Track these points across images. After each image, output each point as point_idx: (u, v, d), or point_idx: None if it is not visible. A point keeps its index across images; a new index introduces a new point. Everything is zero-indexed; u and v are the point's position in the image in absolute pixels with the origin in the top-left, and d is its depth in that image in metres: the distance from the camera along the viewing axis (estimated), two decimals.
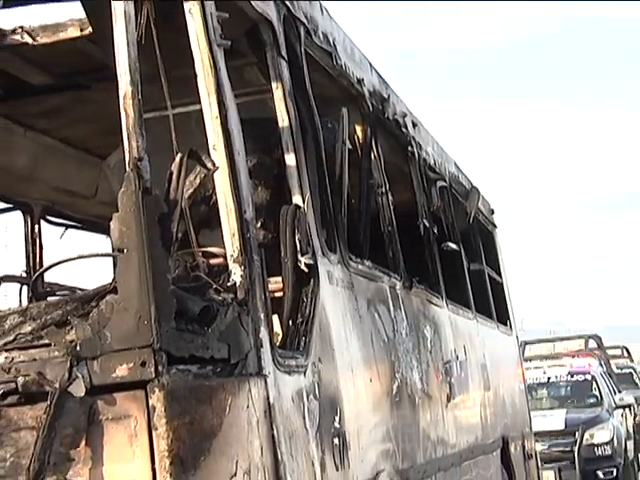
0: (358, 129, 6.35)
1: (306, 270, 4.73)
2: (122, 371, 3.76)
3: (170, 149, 4.16)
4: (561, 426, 15.82)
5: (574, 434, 15.79)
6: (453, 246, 8.62)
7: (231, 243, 4.18)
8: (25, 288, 7.29)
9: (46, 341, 3.91)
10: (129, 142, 3.88)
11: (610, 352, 27.64)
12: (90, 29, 5.56)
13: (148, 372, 3.74)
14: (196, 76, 4.19)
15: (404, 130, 7.53)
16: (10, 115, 6.54)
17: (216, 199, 4.21)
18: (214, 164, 4.16)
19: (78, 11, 5.54)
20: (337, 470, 4.77)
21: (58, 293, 6.34)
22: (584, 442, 15.76)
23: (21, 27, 5.86)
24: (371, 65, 6.88)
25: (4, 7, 4.47)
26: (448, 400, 7.50)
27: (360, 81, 6.47)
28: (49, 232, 7.74)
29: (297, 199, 4.90)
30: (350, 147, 6.03)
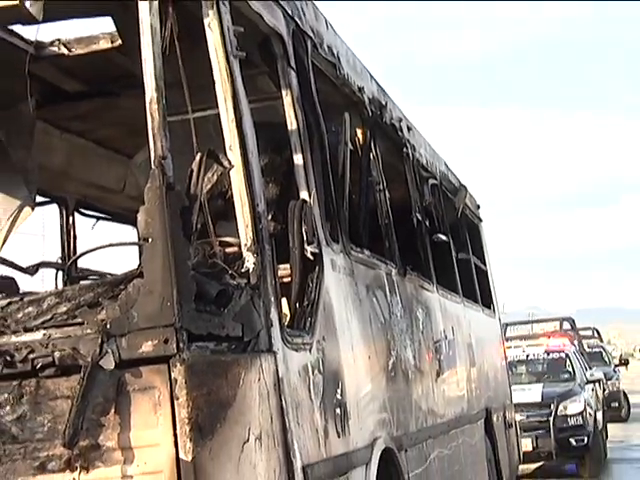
0: (359, 132, 6.35)
1: (312, 258, 4.74)
2: (147, 347, 3.78)
3: (191, 149, 4.15)
4: (538, 399, 15.87)
5: (550, 406, 15.84)
6: (443, 237, 8.64)
7: (245, 233, 4.19)
8: (60, 273, 7.30)
9: (80, 320, 3.93)
10: (154, 142, 3.88)
11: (582, 333, 27.74)
12: (120, 42, 5.56)
13: (170, 348, 3.76)
14: (214, 84, 4.19)
15: (400, 133, 7.54)
16: (48, 119, 6.54)
17: (231, 194, 4.21)
18: (230, 163, 4.16)
19: (109, 25, 5.54)
20: (339, 437, 4.77)
21: (90, 277, 6.33)
22: (558, 413, 15.81)
23: (58, 39, 5.85)
24: (370, 75, 6.89)
25: (44, 22, 4.46)
26: (437, 375, 7.52)
27: (361, 89, 6.47)
28: (82, 223, 7.75)
29: (304, 194, 4.90)
30: (351, 148, 6.05)
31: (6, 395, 3.87)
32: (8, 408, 3.88)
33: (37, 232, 7.54)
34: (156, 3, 3.97)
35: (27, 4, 4.16)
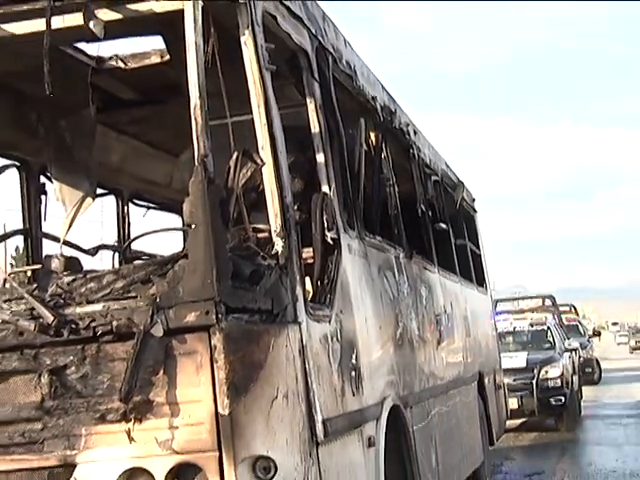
0: (372, 135, 6.33)
1: (331, 243, 4.73)
2: (191, 317, 3.79)
3: (228, 149, 4.14)
4: (523, 364, 15.86)
5: (533, 370, 15.85)
6: (443, 226, 8.61)
7: (274, 221, 4.18)
8: (117, 254, 7.32)
9: (134, 294, 3.94)
10: (197, 143, 3.89)
11: (561, 309, 27.69)
12: (168, 57, 5.55)
13: (211, 319, 3.77)
14: (249, 93, 4.18)
15: (407, 136, 7.52)
16: (107, 123, 6.55)
17: (263, 187, 4.21)
18: (262, 161, 4.16)
19: (159, 43, 5.54)
20: (353, 395, 4.76)
21: (142, 258, 6.33)
22: (540, 377, 15.82)
23: (116, 55, 5.86)
24: (382, 86, 6.87)
25: (104, 40, 4.45)
26: (438, 343, 7.50)
27: (374, 98, 6.45)
28: (135, 212, 7.77)
29: (325, 188, 4.89)
30: (366, 149, 6.03)
31: (72, 357, 3.89)
32: (73, 368, 3.89)
33: (97, 219, 7.54)
34: (200, 24, 3.97)
35: (91, 24, 4.15)
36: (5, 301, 4.09)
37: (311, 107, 4.94)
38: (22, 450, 3.91)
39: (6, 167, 6.44)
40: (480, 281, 11.17)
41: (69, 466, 3.88)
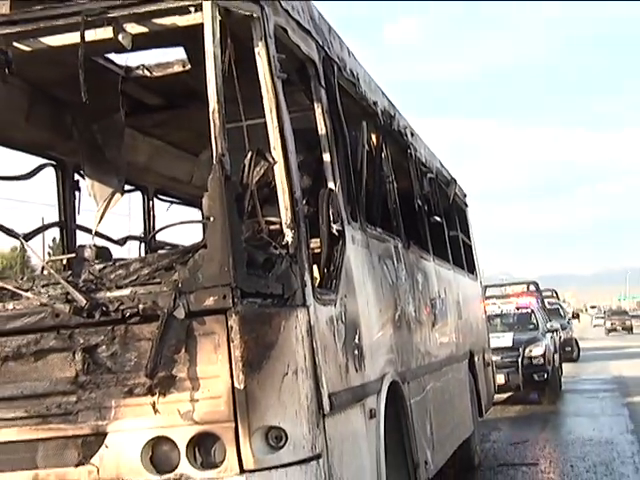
0: (373, 137, 6.31)
1: (336, 234, 4.73)
2: (209, 301, 3.79)
3: (243, 149, 4.13)
4: (509, 344, 15.83)
5: (518, 349, 15.81)
6: (438, 219, 8.60)
7: (285, 214, 4.17)
8: (143, 245, 7.33)
9: (158, 280, 3.94)
10: (215, 143, 3.88)
11: (544, 293, 27.68)
12: (189, 66, 5.55)
13: (227, 302, 3.77)
14: (262, 98, 4.17)
15: (405, 137, 7.51)
16: (134, 126, 6.54)
17: (275, 184, 4.19)
18: (274, 159, 4.14)
19: (181, 54, 5.53)
20: (356, 372, 4.76)
21: (165, 248, 6.34)
22: (525, 355, 15.79)
23: (142, 65, 5.85)
24: (382, 92, 6.85)
25: (132, 51, 4.46)
26: (433, 325, 7.50)
27: (375, 103, 6.44)
28: (159, 207, 7.78)
29: (330, 184, 4.87)
30: (368, 149, 6.02)
31: (102, 337, 3.90)
32: (104, 347, 3.90)
33: (125, 213, 7.55)
34: (218, 36, 3.96)
35: (120, 37, 4.15)
36: (43, 286, 4.10)
37: (318, 111, 4.93)
38: (59, 420, 3.92)
39: (44, 166, 6.46)
40: (471, 269, 11.16)
41: (100, 435, 3.90)
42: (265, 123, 4.17)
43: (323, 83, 5.01)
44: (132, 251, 7.25)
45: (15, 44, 4.28)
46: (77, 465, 3.90)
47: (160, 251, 5.22)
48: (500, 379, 14.12)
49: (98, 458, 3.89)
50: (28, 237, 6.06)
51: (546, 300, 26.90)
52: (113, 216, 6.92)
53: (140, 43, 4.27)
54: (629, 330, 56.07)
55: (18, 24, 4.19)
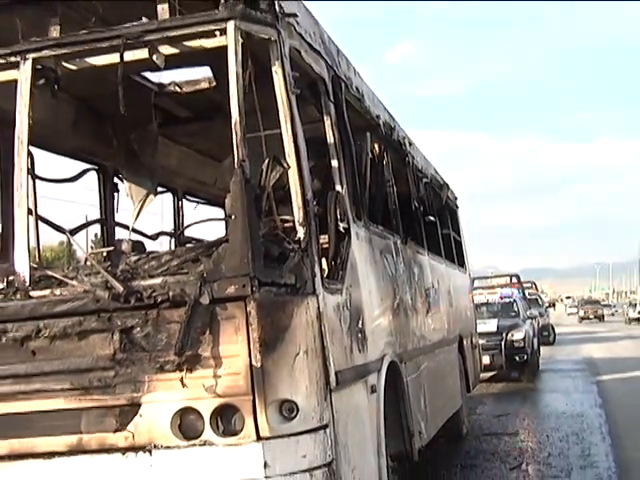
0: (376, 146, 6.29)
1: (343, 231, 4.71)
2: (231, 290, 3.78)
3: (261, 156, 4.11)
4: (494, 329, 15.79)
5: (502, 334, 15.77)
6: (432, 218, 8.56)
7: (298, 213, 4.14)
8: (173, 239, 7.35)
9: (186, 271, 3.93)
10: (237, 151, 3.87)
11: (525, 285, 27.58)
12: (215, 83, 5.54)
13: (246, 291, 3.76)
14: (278, 111, 4.14)
15: (403, 147, 7.48)
16: (166, 135, 6.55)
17: (289, 186, 4.16)
18: (288, 165, 4.13)
19: (208, 72, 5.53)
20: (359, 352, 4.74)
21: (192, 242, 6.35)
22: (507, 339, 15.75)
23: (174, 81, 5.86)
24: (384, 106, 6.82)
25: (165, 69, 4.45)
26: (427, 312, 7.47)
27: (377, 116, 6.41)
28: (187, 206, 7.80)
29: (338, 187, 4.84)
30: (371, 157, 5.99)
31: (137, 320, 3.89)
32: (138, 329, 3.89)
33: (157, 212, 7.56)
34: (240, 57, 3.95)
35: (154, 57, 4.15)
36: (86, 275, 4.10)
37: (327, 123, 4.91)
38: (99, 392, 3.92)
39: (87, 170, 6.48)
40: (461, 262, 11.12)
41: (135, 405, 3.90)
42: (281, 133, 4.15)
43: (332, 98, 4.98)
44: (163, 245, 7.27)
45: (64, 63, 4.27)
46: (115, 431, 3.91)
47: (188, 245, 5.21)
48: (485, 360, 14.09)
49: (133, 425, 3.89)
50: (73, 232, 6.07)
51: (526, 291, 26.81)
52: (147, 214, 6.94)
53: (172, 63, 4.26)
54: (600, 318, 54.59)
55: (66, 46, 4.19)
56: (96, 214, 6.69)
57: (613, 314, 64.00)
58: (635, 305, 46.46)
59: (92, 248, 8.99)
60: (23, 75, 4.16)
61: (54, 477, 3.93)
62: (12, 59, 4.19)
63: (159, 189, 7.06)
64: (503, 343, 15.63)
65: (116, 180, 6.70)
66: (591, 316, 54.45)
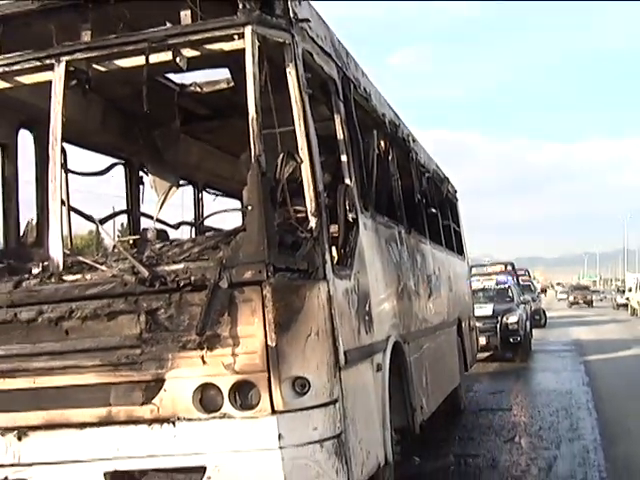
0: (382, 142, 6.26)
1: (351, 221, 4.70)
2: (248, 275, 3.78)
3: (276, 151, 4.10)
4: (490, 313, 15.70)
5: (497, 317, 15.69)
6: (433, 210, 8.53)
7: (310, 205, 4.13)
8: (193, 229, 7.35)
9: (206, 257, 3.93)
10: (254, 146, 3.86)
11: (518, 272, 27.49)
12: (233, 83, 5.52)
13: (262, 276, 3.75)
14: (292, 110, 4.13)
15: (407, 143, 7.45)
16: (188, 132, 6.55)
17: (302, 180, 4.15)
18: (301, 159, 4.11)
19: (226, 73, 5.51)
20: (366, 333, 4.72)
21: (212, 231, 6.35)
22: (502, 322, 15.67)
23: (195, 82, 5.84)
24: (389, 105, 6.78)
25: (187, 71, 4.43)
26: (429, 297, 7.45)
27: (383, 115, 6.38)
28: (207, 198, 7.79)
29: (347, 181, 4.82)
30: (377, 152, 5.96)
31: (161, 302, 3.89)
32: (163, 310, 3.90)
33: (179, 203, 7.57)
34: (256, 59, 3.94)
35: (177, 60, 4.15)
36: (114, 261, 4.11)
37: (337, 121, 4.88)
38: (127, 368, 3.93)
39: (115, 164, 6.48)
40: (460, 251, 11.09)
41: (160, 381, 3.90)
42: (294, 130, 4.13)
43: (341, 98, 4.96)
44: (185, 234, 7.27)
45: (94, 65, 4.28)
46: (142, 404, 3.92)
47: (207, 234, 5.22)
48: (482, 341, 14.06)
49: (158, 399, 3.90)
50: (102, 222, 6.06)
51: (520, 278, 26.74)
52: (170, 206, 6.94)
53: (193, 65, 4.25)
54: (589, 304, 52.45)
55: (96, 49, 4.20)
56: (123, 205, 6.70)
57: (602, 299, 63.07)
58: (623, 291, 45.44)
59: (119, 237, 9.01)
60: (57, 76, 4.17)
61: (86, 446, 3.95)
62: (47, 62, 4.21)
63: (181, 182, 7.06)
64: (498, 326, 15.57)
65: (141, 174, 6.70)
66: (580, 301, 52.69)
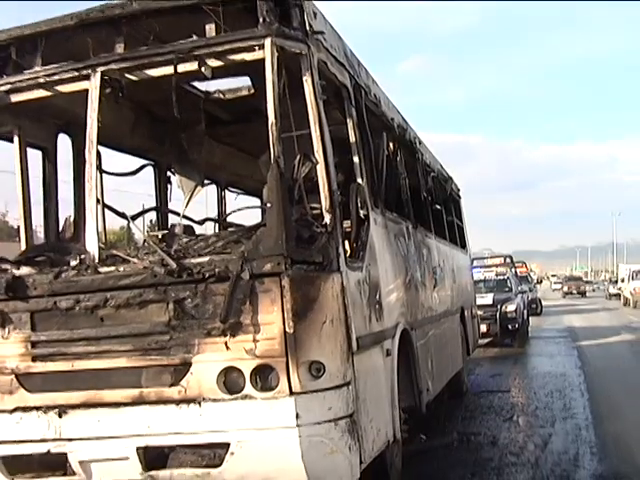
0: (391, 144, 6.23)
1: (363, 217, 4.68)
2: (267, 267, 3.77)
3: (294, 152, 4.10)
4: (490, 302, 15.62)
5: (497, 306, 15.61)
6: (438, 207, 8.52)
7: (324, 202, 4.12)
8: (217, 225, 7.36)
9: (229, 250, 3.94)
10: (273, 148, 3.85)
11: (517, 264, 27.31)
12: (253, 90, 5.51)
13: (281, 268, 3.75)
14: (308, 114, 4.12)
15: (414, 145, 7.41)
16: (212, 136, 6.54)
17: (317, 179, 4.14)
18: (317, 160, 4.10)
19: (247, 81, 5.50)
20: (377, 321, 4.72)
21: (234, 226, 6.35)
22: (502, 310, 15.58)
23: (219, 90, 5.84)
24: (397, 110, 6.75)
25: (211, 79, 4.43)
26: (434, 287, 7.41)
27: (392, 119, 6.35)
28: (229, 196, 7.78)
29: (359, 180, 4.81)
30: (386, 153, 5.93)
31: (188, 292, 3.90)
32: (189, 300, 3.91)
33: (203, 201, 7.58)
34: (275, 68, 3.93)
35: (203, 69, 4.15)
36: (145, 254, 4.13)
37: (350, 125, 4.87)
38: (156, 353, 3.95)
39: (145, 166, 6.50)
40: (463, 245, 11.05)
41: (187, 364, 3.92)
42: (310, 133, 4.12)
43: (353, 104, 4.94)
44: (209, 229, 7.28)
45: (126, 75, 4.29)
46: (170, 386, 3.93)
47: (230, 229, 5.22)
48: (483, 328, 13.99)
49: (185, 381, 3.91)
50: (134, 218, 6.08)
51: (518, 269, 26.58)
52: (195, 203, 6.96)
53: (217, 73, 4.25)
54: (583, 294, 50.60)
55: (129, 60, 4.21)
56: (152, 203, 6.72)
57: (594, 290, 61.89)
58: (616, 281, 44.04)
59: (148, 232, 9.06)
60: (93, 85, 4.19)
61: (120, 423, 3.97)
62: (84, 72, 4.24)
63: (205, 181, 7.05)
64: (498, 314, 15.50)
65: (169, 174, 6.70)
66: (574, 291, 51.17)
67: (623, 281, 34.38)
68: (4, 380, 4.15)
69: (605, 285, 52.62)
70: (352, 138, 4.84)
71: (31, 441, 4.06)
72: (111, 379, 4.00)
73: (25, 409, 4.10)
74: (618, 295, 38.18)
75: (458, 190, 11.31)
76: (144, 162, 6.48)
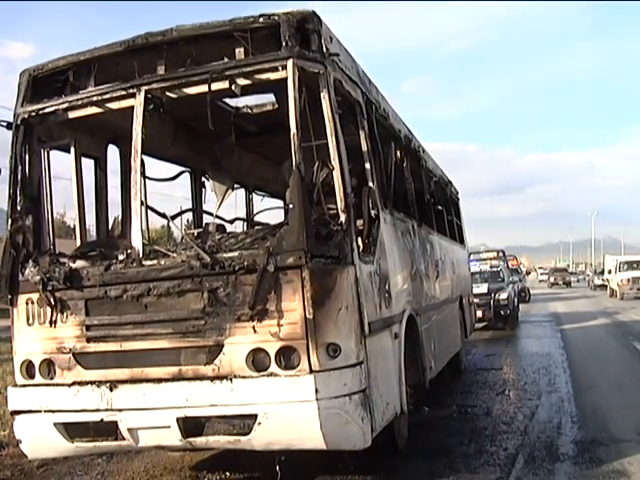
0: (398, 152, 6.17)
1: (374, 217, 4.65)
2: (290, 260, 3.77)
3: (313, 160, 4.07)
4: (485, 291, 15.48)
5: (491, 294, 15.46)
6: (440, 208, 8.45)
7: (340, 203, 4.10)
8: (245, 223, 7.34)
9: (256, 246, 3.92)
10: (294, 156, 3.83)
11: (508, 258, 27.08)
12: (277, 106, 5.48)
13: (302, 261, 3.75)
14: (325, 126, 4.09)
15: (419, 153, 7.35)
16: (241, 145, 6.53)
17: (333, 183, 4.12)
18: (333, 167, 4.08)
19: (272, 98, 5.47)
20: (386, 308, 4.68)
21: (261, 225, 6.34)
22: (495, 298, 15.44)
23: (247, 105, 5.82)
24: (404, 122, 6.69)
25: (241, 96, 4.42)
26: (437, 278, 7.36)
27: (399, 130, 6.30)
28: (256, 198, 7.76)
29: (370, 184, 4.77)
30: (394, 160, 5.89)
31: (220, 283, 3.90)
32: (222, 289, 3.91)
33: (233, 203, 7.58)
34: (297, 86, 3.92)
35: (233, 87, 4.14)
36: (183, 249, 4.12)
37: (362, 135, 4.83)
38: (193, 335, 3.96)
39: (182, 172, 6.50)
40: (461, 241, 10.96)
41: (220, 346, 3.92)
42: (327, 143, 4.10)
43: (365, 117, 4.90)
44: (238, 228, 7.27)
45: (167, 93, 4.29)
46: (205, 364, 3.94)
47: (257, 227, 5.21)
48: (479, 314, 13.89)
49: (218, 360, 3.91)
50: (173, 218, 6.10)
51: (509, 262, 26.38)
52: (226, 205, 6.95)
53: (245, 91, 4.24)
54: (568, 284, 47.94)
55: (169, 80, 4.22)
56: (189, 204, 6.72)
57: (578, 281, 60.56)
58: (601, 272, 41.08)
59: (185, 230, 9.09)
60: (138, 102, 4.20)
61: (162, 396, 3.98)
62: (130, 91, 4.25)
63: (235, 185, 7.05)
64: (492, 301, 15.37)
65: (203, 179, 6.70)
66: (560, 282, 48.36)
67: (610, 272, 31.97)
68: (64, 358, 4.20)
69: (590, 276, 49.49)
70: (364, 147, 4.81)
71: (87, 410, 4.10)
72: (154, 358, 4.01)
73: (81, 383, 4.14)
74: (603, 286, 35.21)
75: (457, 193, 11.22)
76: (182, 169, 6.48)
